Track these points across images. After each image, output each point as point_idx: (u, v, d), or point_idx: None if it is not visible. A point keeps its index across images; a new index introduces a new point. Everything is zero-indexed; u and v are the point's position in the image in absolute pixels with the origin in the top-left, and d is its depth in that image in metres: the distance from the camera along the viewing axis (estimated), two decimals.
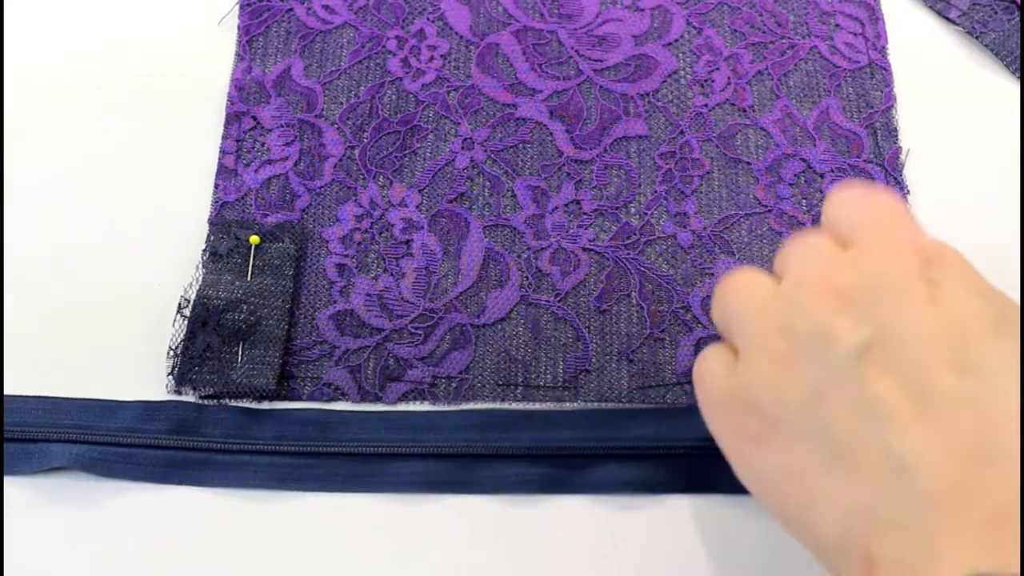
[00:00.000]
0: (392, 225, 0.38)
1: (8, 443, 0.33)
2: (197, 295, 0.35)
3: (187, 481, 0.33)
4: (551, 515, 0.33)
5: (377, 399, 0.35)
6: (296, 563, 0.32)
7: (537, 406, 0.35)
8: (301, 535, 0.32)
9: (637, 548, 0.32)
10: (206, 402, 0.34)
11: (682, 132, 0.40)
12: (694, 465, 0.33)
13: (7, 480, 0.33)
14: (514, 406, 0.35)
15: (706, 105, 0.41)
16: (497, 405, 0.35)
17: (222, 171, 0.39)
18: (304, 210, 0.38)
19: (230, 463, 0.33)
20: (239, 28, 0.42)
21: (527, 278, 0.37)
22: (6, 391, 0.35)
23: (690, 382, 0.35)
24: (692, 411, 0.34)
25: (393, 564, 0.32)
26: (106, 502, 0.33)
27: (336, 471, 0.33)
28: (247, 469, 0.33)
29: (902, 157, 0.40)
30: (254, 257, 0.37)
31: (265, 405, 0.35)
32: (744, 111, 0.41)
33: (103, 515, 0.32)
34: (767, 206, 0.39)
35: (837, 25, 0.43)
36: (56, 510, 0.33)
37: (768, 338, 0.26)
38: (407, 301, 0.37)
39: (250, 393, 0.34)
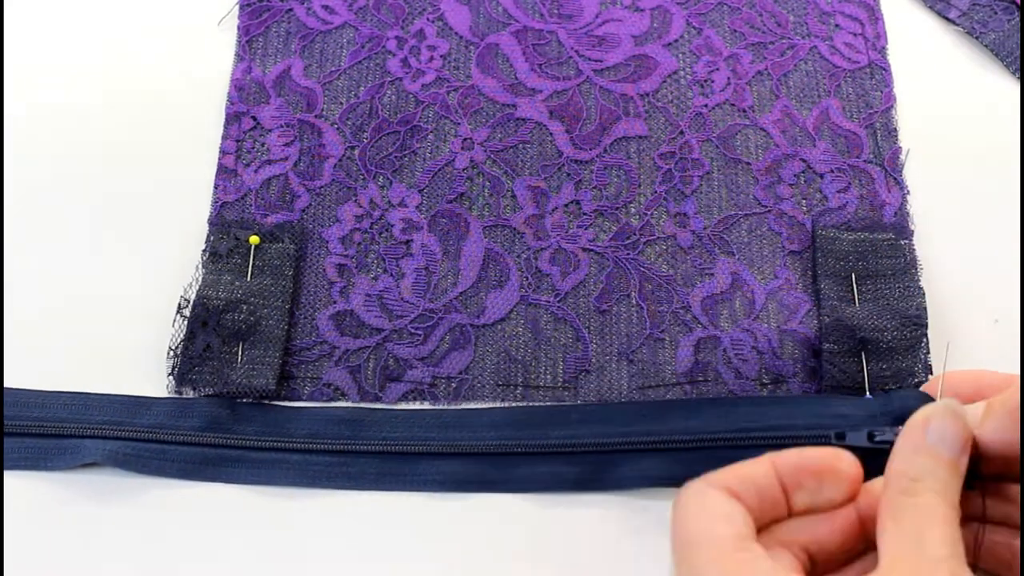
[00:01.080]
0: (392, 225, 0.38)
1: (41, 438, 0.33)
2: (197, 295, 0.35)
3: (220, 478, 0.33)
4: (580, 513, 0.33)
5: (377, 399, 0.35)
6: (327, 561, 0.32)
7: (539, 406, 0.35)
8: (332, 533, 0.32)
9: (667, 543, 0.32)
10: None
11: (682, 132, 0.40)
12: (728, 457, 0.32)
13: (42, 476, 0.33)
14: (515, 406, 0.35)
15: (706, 105, 0.41)
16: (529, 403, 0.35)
17: (222, 171, 0.39)
18: (304, 210, 0.38)
19: (263, 461, 0.33)
20: (239, 28, 0.42)
21: (527, 278, 0.37)
22: (31, 387, 0.35)
23: (690, 382, 0.35)
24: (722, 403, 0.34)
25: (423, 562, 0.32)
26: (140, 498, 0.33)
27: (368, 470, 0.33)
28: (280, 467, 0.33)
29: (902, 157, 0.40)
30: (254, 257, 0.37)
31: (299, 403, 0.35)
32: (744, 111, 0.41)
33: (137, 511, 0.32)
34: (767, 206, 0.39)
35: (837, 25, 0.43)
36: (90, 506, 0.33)
37: None
38: (407, 301, 0.37)
39: (250, 393, 0.34)
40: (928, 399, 0.30)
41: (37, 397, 0.34)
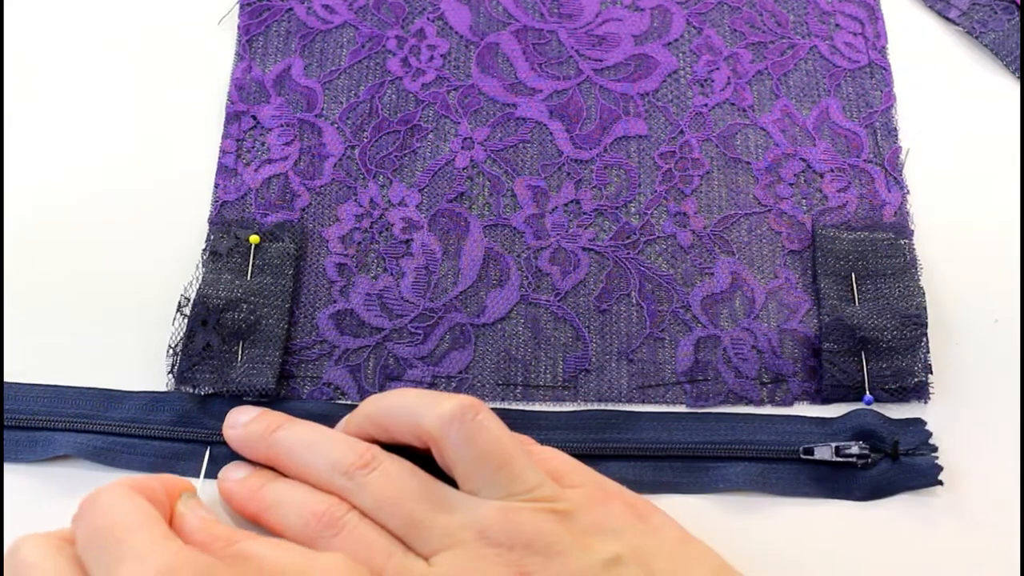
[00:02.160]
0: (392, 225, 0.38)
1: (12, 431, 0.33)
2: (197, 294, 0.35)
3: (191, 472, 0.33)
4: None
5: None
6: None
7: (537, 406, 0.35)
8: None
9: None
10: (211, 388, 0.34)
11: (682, 132, 0.40)
12: (697, 467, 0.33)
13: (11, 468, 0.33)
14: (514, 406, 0.35)
15: (706, 105, 0.41)
16: (498, 404, 0.35)
17: (222, 171, 0.39)
18: (304, 209, 0.38)
19: (233, 456, 0.33)
20: (239, 28, 0.42)
21: (527, 278, 0.37)
22: (11, 380, 0.35)
23: (690, 382, 0.35)
24: (689, 417, 0.35)
25: None
26: None
27: None
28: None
29: (902, 157, 0.40)
30: (254, 256, 0.37)
31: (290, 401, 0.35)
32: (744, 111, 0.41)
33: None
34: (767, 206, 0.39)
35: (837, 25, 0.43)
36: (59, 499, 0.32)
37: None
38: (407, 300, 0.37)
39: (250, 392, 0.34)
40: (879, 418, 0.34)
41: (8, 389, 0.34)
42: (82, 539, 0.26)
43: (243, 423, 0.32)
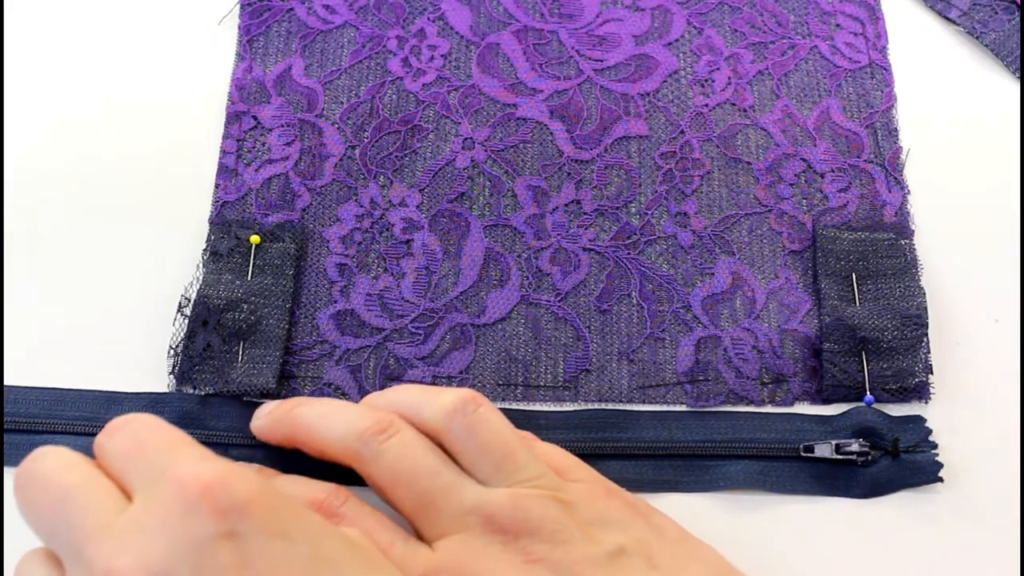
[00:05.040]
0: (392, 225, 0.38)
1: (12, 434, 0.33)
2: (197, 294, 0.35)
3: None
4: None
5: None
6: None
7: (537, 406, 0.35)
8: None
9: None
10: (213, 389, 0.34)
11: (682, 132, 0.40)
12: (697, 465, 0.34)
13: (10, 471, 0.33)
14: (514, 406, 0.35)
15: (706, 105, 0.41)
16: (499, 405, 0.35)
17: (222, 171, 0.39)
18: (304, 210, 0.38)
19: (234, 457, 0.33)
20: (239, 28, 0.42)
21: (527, 278, 0.37)
22: (12, 383, 0.34)
23: (690, 382, 0.35)
24: (689, 416, 0.35)
25: None
26: None
27: (337, 467, 0.33)
28: (252, 464, 0.33)
29: (902, 157, 0.40)
30: (254, 257, 0.37)
31: None
32: (744, 111, 0.41)
33: None
34: (767, 206, 0.39)
35: (837, 25, 0.43)
36: None
37: None
38: (407, 301, 0.37)
39: (250, 392, 0.34)
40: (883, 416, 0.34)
41: (8, 392, 0.34)
42: (121, 451, 0.26)
43: (266, 412, 0.32)
